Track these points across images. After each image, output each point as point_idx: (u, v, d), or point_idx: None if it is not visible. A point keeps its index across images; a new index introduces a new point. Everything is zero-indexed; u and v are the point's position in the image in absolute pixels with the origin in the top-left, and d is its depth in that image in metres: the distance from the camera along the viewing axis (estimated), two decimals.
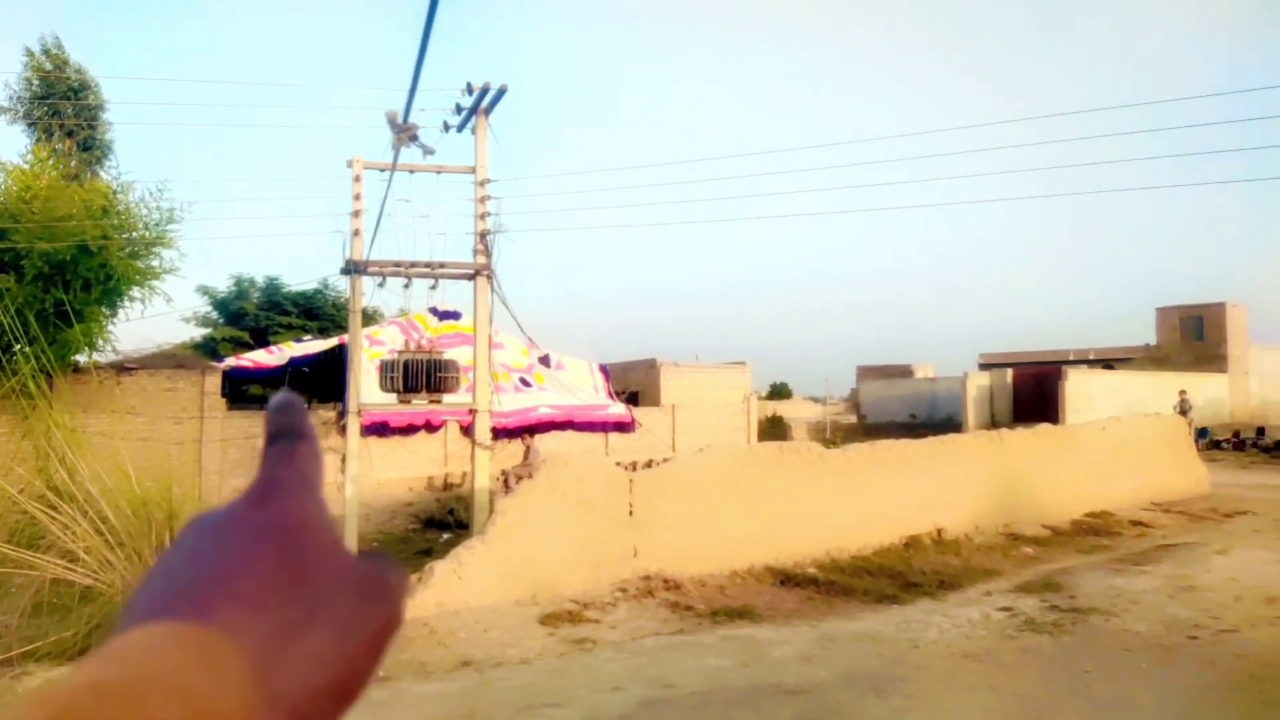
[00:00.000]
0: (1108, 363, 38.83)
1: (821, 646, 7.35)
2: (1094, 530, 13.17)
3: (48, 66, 21.75)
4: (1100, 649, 7.27)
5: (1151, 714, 5.91)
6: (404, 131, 11.93)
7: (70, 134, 21.62)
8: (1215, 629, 7.74)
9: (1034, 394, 32.03)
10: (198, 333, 27.41)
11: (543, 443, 17.22)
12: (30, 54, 21.88)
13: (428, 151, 12.51)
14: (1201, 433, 28.30)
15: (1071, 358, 40.23)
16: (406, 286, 13.12)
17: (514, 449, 17.96)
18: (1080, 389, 30.16)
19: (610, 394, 22.00)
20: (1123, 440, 15.64)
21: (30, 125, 21.56)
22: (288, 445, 0.48)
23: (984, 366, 40.06)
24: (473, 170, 13.09)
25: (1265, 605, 8.55)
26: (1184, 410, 21.64)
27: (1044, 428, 14.71)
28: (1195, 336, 37.28)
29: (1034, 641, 7.49)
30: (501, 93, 12.44)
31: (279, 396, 0.51)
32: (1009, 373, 34.73)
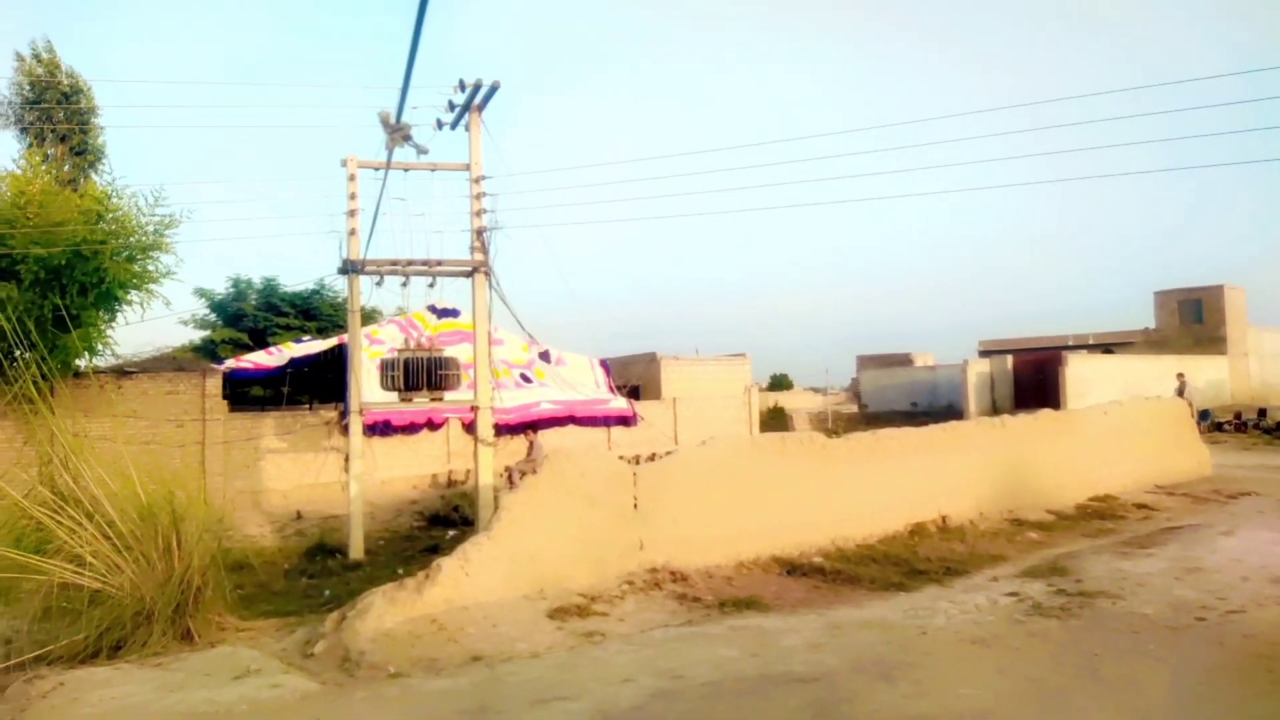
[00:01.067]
0: (1107, 347, 38.88)
1: (829, 635, 7.36)
2: (1098, 514, 13.19)
3: (39, 71, 21.67)
4: (1108, 632, 7.28)
5: (1161, 695, 5.92)
6: (398, 131, 11.92)
7: (63, 139, 21.55)
8: (1222, 610, 7.75)
9: (1034, 380, 32.06)
10: (197, 335, 27.43)
11: (545, 438, 17.22)
12: (21, 58, 21.81)
13: (421, 151, 12.50)
14: (1203, 415, 28.33)
15: (1071, 343, 40.26)
16: (404, 285, 13.12)
17: (516, 445, 17.97)
18: (1080, 374, 30.19)
19: (611, 388, 22.01)
20: (1124, 424, 15.66)
21: (22, 130, 21.48)
22: None
23: (984, 353, 40.08)
24: (467, 167, 13.08)
25: (1271, 585, 8.56)
26: (1182, 393, 21.65)
27: (1046, 413, 14.72)
28: (1194, 319, 37.31)
29: (1042, 626, 7.49)
30: (494, 89, 12.41)
31: None
32: (1009, 359, 34.75)
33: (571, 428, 20.21)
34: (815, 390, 53.76)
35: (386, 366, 12.92)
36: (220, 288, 27.57)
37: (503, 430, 16.94)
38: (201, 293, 26.95)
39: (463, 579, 8.18)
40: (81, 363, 15.20)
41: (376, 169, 13.18)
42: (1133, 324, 40.38)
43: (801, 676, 6.22)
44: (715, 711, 5.54)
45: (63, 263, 14.01)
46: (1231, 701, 5.70)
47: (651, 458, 13.70)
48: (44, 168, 16.20)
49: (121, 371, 15.93)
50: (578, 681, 6.26)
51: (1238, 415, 29.51)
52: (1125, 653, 6.72)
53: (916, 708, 5.50)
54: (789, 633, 7.47)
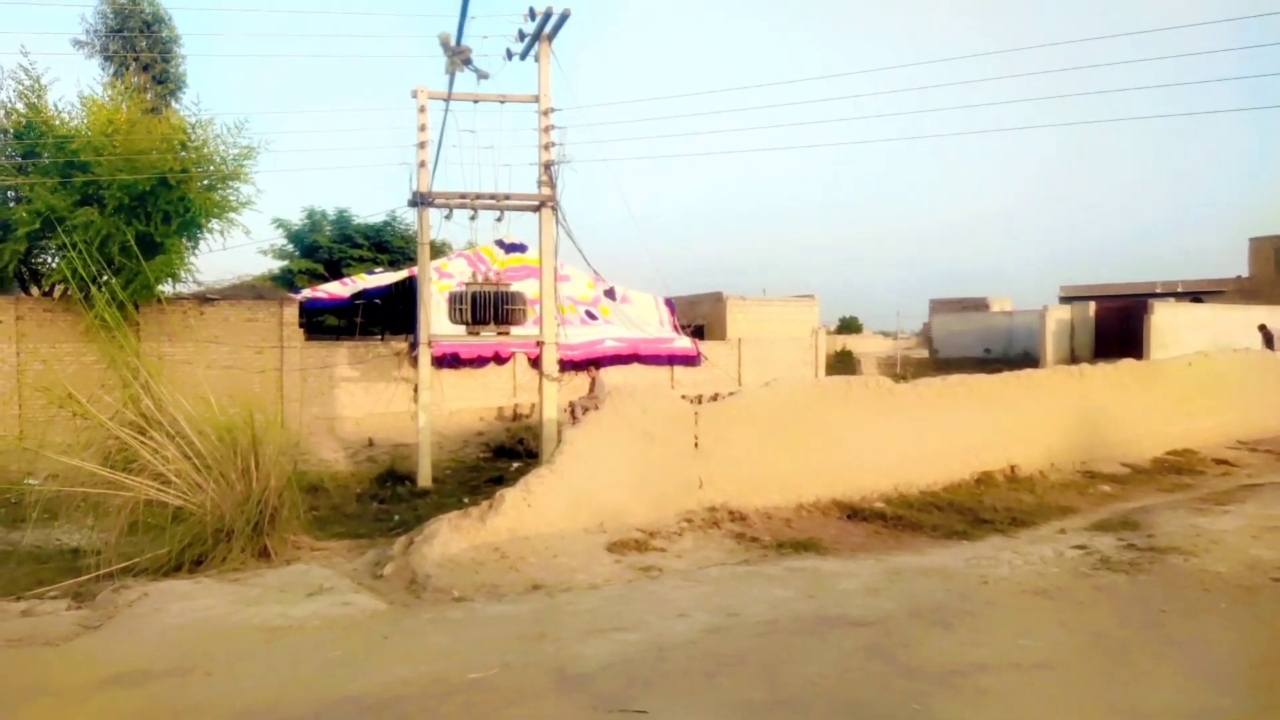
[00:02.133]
0: (1196, 295, 37.26)
1: (888, 580, 7.32)
2: (1176, 468, 12.79)
3: (123, 0, 22.07)
4: (1178, 589, 7.09)
5: (1229, 654, 5.76)
6: (457, 55, 11.82)
7: (145, 68, 22.01)
8: None
9: (1117, 328, 30.94)
10: (275, 265, 28.09)
11: (608, 376, 17.32)
12: None
13: (482, 75, 12.41)
14: None
15: (1159, 290, 38.71)
16: (473, 219, 13.22)
17: (581, 381, 18.11)
18: (1167, 323, 29.03)
19: (676, 327, 21.96)
20: (1209, 375, 15.05)
21: (106, 59, 21.99)
22: None
23: (1065, 300, 38.82)
24: (536, 99, 12.98)
25: None
26: (1271, 344, 20.68)
27: (1126, 363, 14.21)
28: None
29: (1109, 580, 7.33)
30: (565, 17, 12.22)
31: None
32: (1091, 306, 33.56)
33: (635, 366, 20.28)
34: (886, 334, 52.91)
35: (455, 300, 13.09)
36: (296, 218, 28.14)
37: (567, 366, 17.09)
38: (279, 223, 27.55)
39: (525, 510, 8.35)
40: (165, 289, 15.75)
41: (446, 100, 13.17)
42: (1225, 272, 38.59)
43: (857, 620, 6.21)
44: (768, 649, 5.58)
45: (146, 190, 14.42)
46: None
47: (714, 398, 13.70)
48: (128, 96, 16.58)
49: (203, 298, 16.46)
50: (633, 614, 6.36)
51: None
52: (1194, 610, 6.55)
53: (973, 656, 5.46)
54: (847, 576, 7.46)
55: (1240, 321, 29.05)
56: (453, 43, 11.75)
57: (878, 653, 5.52)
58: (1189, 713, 4.77)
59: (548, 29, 12.81)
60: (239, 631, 6.04)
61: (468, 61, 12.07)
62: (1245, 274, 37.46)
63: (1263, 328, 23.33)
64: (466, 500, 10.86)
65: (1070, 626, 6.21)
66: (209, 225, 15.69)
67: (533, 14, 12.67)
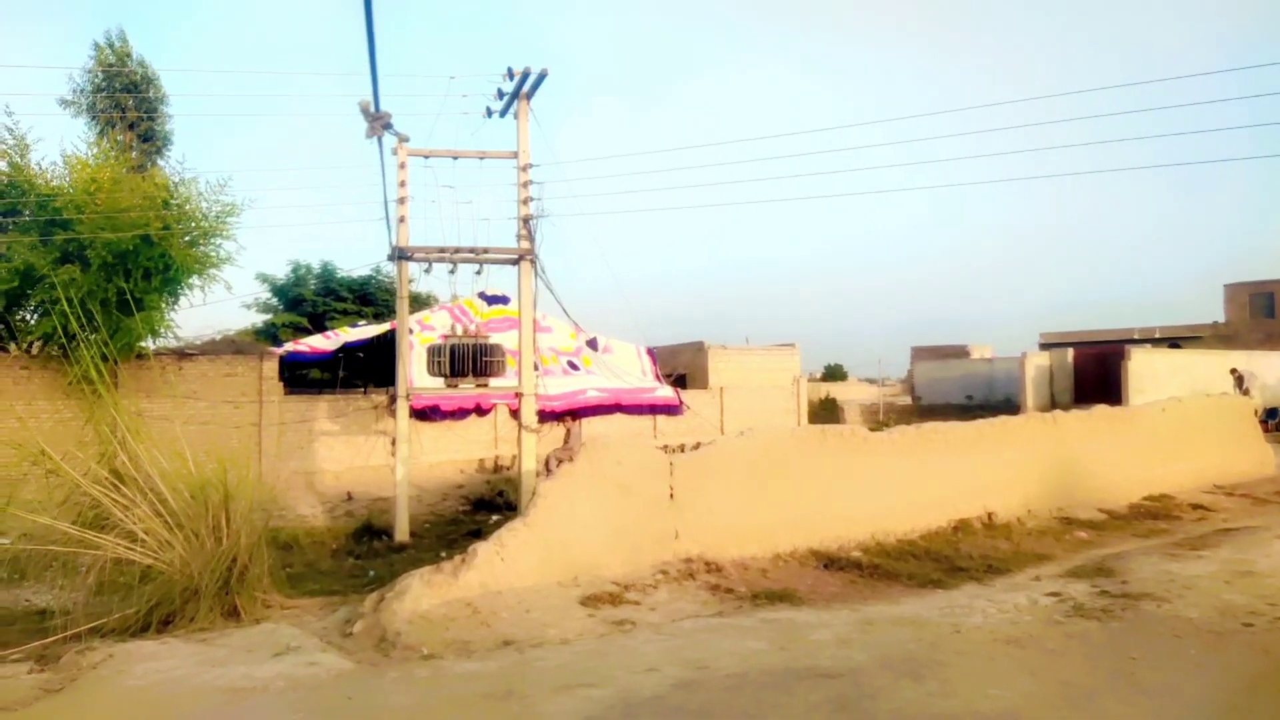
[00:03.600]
0: (1174, 341, 37.69)
1: (860, 630, 7.31)
2: (1152, 514, 12.85)
3: (110, 59, 22.39)
4: (1149, 635, 7.11)
5: (1198, 702, 5.77)
6: (377, 120, 12.03)
7: (131, 126, 22.25)
8: (1271, 616, 7.49)
9: (1096, 374, 31.23)
10: (259, 319, 28.16)
11: (590, 426, 17.35)
12: (98, 48, 22.56)
13: (402, 139, 12.67)
14: (1270, 413, 27.33)
15: (1136, 336, 39.15)
16: (452, 272, 13.32)
17: (561, 432, 18.12)
18: (1144, 369, 29.32)
19: (658, 377, 22.02)
20: (1184, 421, 15.20)
21: (93, 118, 22.23)
22: None
23: (1044, 346, 39.18)
24: (515, 155, 13.19)
25: None
26: (1243, 387, 20.89)
27: (1101, 409, 14.37)
28: (1265, 313, 35.98)
29: (1081, 627, 7.34)
30: (542, 77, 12.49)
31: None
32: (1070, 352, 33.89)
33: (618, 416, 20.28)
34: (871, 381, 53.16)
35: (433, 352, 13.17)
36: (281, 272, 28.27)
37: (549, 417, 17.10)
38: (263, 277, 27.67)
39: (498, 564, 8.31)
40: (145, 344, 15.75)
41: (426, 156, 13.37)
42: (1201, 318, 39.11)
43: (827, 672, 6.20)
44: (736, 703, 5.56)
45: (129, 248, 14.51)
46: (1272, 712, 5.53)
47: (695, 447, 13.73)
48: (113, 154, 16.75)
49: (182, 354, 16.47)
50: (604, 669, 6.33)
51: None
52: (1165, 657, 6.56)
53: (941, 707, 5.45)
54: (820, 627, 7.44)
55: (1216, 367, 29.37)
56: (372, 109, 11.94)
57: (845, 705, 5.50)
58: None
59: (526, 88, 13.08)
60: (201, 693, 5.97)
61: (388, 126, 12.26)
62: (1221, 320, 37.96)
63: (1234, 371, 23.61)
64: (444, 554, 10.78)
65: (1040, 675, 6.21)
66: (190, 281, 15.76)
67: (511, 74, 12.96)
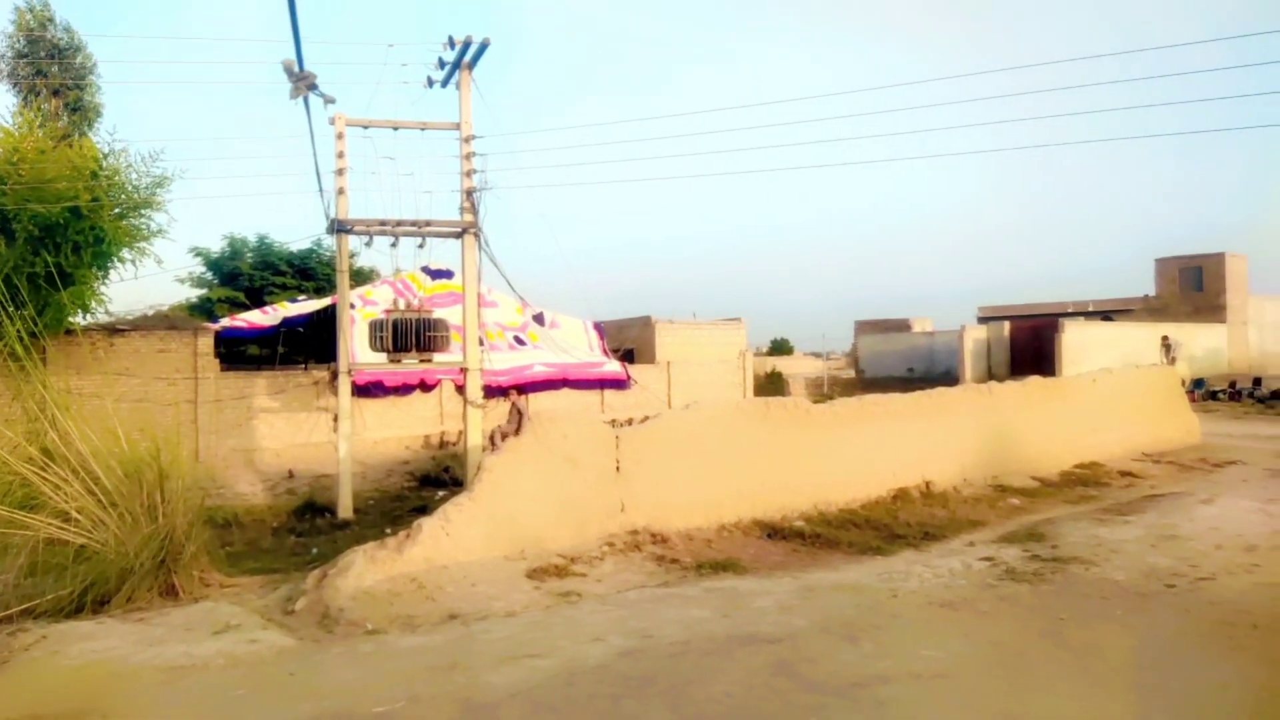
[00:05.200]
0: (1106, 314, 38.82)
1: (801, 597, 7.46)
2: (1082, 481, 13.28)
3: (32, 25, 21.46)
4: (1078, 597, 7.38)
5: (1122, 659, 6.01)
6: (302, 80, 11.73)
7: (56, 93, 21.39)
8: (1193, 577, 7.84)
9: (1031, 347, 32.05)
10: (193, 294, 27.42)
11: (537, 401, 17.32)
12: (18, 11, 21.58)
13: (328, 100, 12.36)
14: (1198, 383, 28.34)
15: (1071, 310, 40.19)
16: (394, 245, 13.13)
17: (508, 407, 18.06)
18: (1077, 341, 30.16)
19: (605, 352, 22.07)
20: (1114, 391, 15.70)
21: (15, 85, 21.31)
22: None
23: (983, 320, 40.03)
24: (457, 126, 13.00)
25: (1244, 553, 8.65)
26: (1169, 352, 21.61)
27: (1034, 380, 14.75)
28: (1194, 287, 37.18)
29: (1012, 590, 7.59)
30: (484, 46, 12.31)
31: None
32: (1006, 325, 34.71)
33: (565, 391, 20.31)
34: (815, 355, 53.83)
35: (375, 327, 12.96)
36: (216, 246, 27.54)
37: (495, 392, 17.03)
38: (198, 251, 26.93)
39: (443, 538, 8.29)
40: (74, 320, 15.25)
41: (365, 126, 13.11)
42: (1133, 291, 40.29)
43: (768, 637, 6.32)
44: (678, 670, 5.65)
45: (57, 220, 13.99)
46: (1189, 668, 5.80)
47: (644, 420, 13.80)
48: (38, 124, 16.09)
49: (113, 329, 15.98)
50: (549, 640, 6.37)
51: (1232, 384, 29.51)
52: (1091, 618, 6.82)
53: (875, 668, 5.61)
54: (762, 595, 7.58)
55: (1147, 338, 30.36)
56: (296, 68, 11.63)
57: (784, 669, 5.62)
58: (1076, 718, 4.97)
59: (468, 57, 12.88)
60: (139, 672, 5.87)
61: (313, 87, 11.93)
62: (1152, 293, 39.15)
63: (1165, 339, 24.38)
64: (389, 531, 10.70)
65: (972, 637, 6.41)
66: (121, 255, 15.28)
67: (452, 43, 12.75)
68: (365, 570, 7.74)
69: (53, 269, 13.89)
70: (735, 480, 10.36)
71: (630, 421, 13.75)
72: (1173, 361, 20.04)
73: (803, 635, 6.34)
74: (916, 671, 5.57)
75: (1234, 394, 28.32)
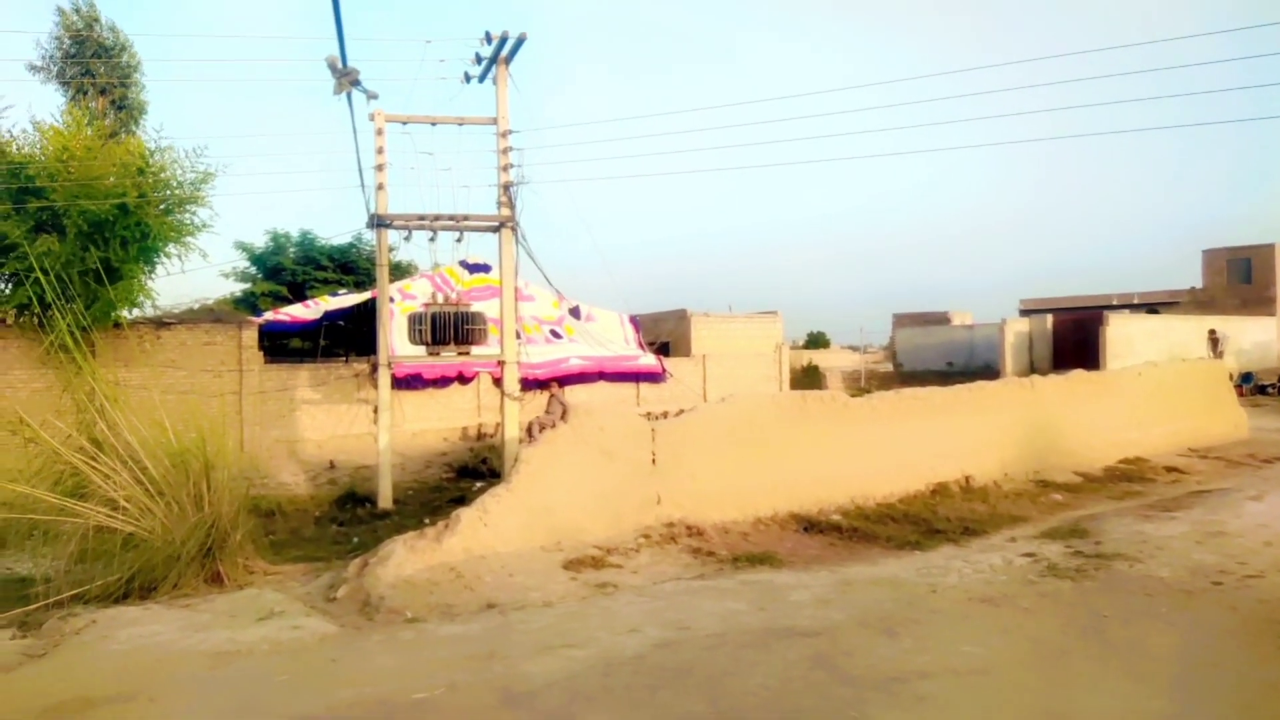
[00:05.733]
0: (1152, 307, 38.01)
1: (839, 591, 7.43)
2: (1127, 477, 13.04)
3: (78, 24, 21.91)
4: (1121, 594, 7.26)
5: (1166, 657, 5.91)
6: (345, 76, 11.80)
7: (103, 92, 21.84)
8: (1241, 575, 7.67)
9: (1074, 340, 31.47)
10: (238, 288, 27.89)
11: (573, 394, 17.38)
12: (62, 12, 22.05)
13: (371, 96, 12.40)
14: (1246, 377, 27.68)
15: (1115, 302, 39.42)
16: (432, 240, 13.22)
17: (544, 400, 18.15)
18: (1122, 334, 29.59)
19: (641, 345, 22.08)
20: (1159, 385, 15.39)
21: (63, 84, 21.79)
22: None
23: (1024, 313, 39.41)
24: (494, 121, 13.07)
25: None
26: (1216, 348, 21.04)
27: (1077, 373, 14.52)
28: (1242, 279, 36.29)
29: (1054, 587, 7.49)
30: (521, 41, 12.34)
31: None
32: (1049, 318, 34.12)
33: (601, 384, 20.36)
34: (853, 349, 53.39)
35: (414, 321, 13.09)
36: (260, 241, 27.97)
37: (531, 385, 17.12)
38: (241, 246, 27.36)
39: (481, 529, 8.37)
40: (122, 314, 15.59)
41: (404, 123, 13.22)
42: (1179, 283, 39.41)
43: (805, 630, 6.30)
44: (715, 662, 5.65)
45: (106, 217, 14.31)
46: (1236, 666, 5.68)
47: (677, 413, 13.80)
48: (86, 122, 16.44)
49: (160, 323, 16.30)
50: (585, 630, 6.41)
51: None
52: (1135, 615, 6.71)
53: (914, 663, 5.56)
54: (799, 588, 7.55)
55: (1193, 331, 29.69)
56: (340, 65, 11.71)
57: (821, 662, 5.60)
58: (1118, 716, 4.90)
59: (504, 52, 12.93)
60: (185, 657, 6.01)
61: (356, 83, 12.00)
62: (1199, 285, 38.29)
63: (1212, 333, 23.76)
64: (427, 521, 10.79)
65: (1012, 633, 6.34)
66: (167, 250, 15.58)
67: (489, 38, 12.79)
68: (405, 559, 7.84)
69: (100, 265, 14.21)
70: (771, 473, 10.32)
71: (666, 414, 13.77)
72: (1220, 355, 19.58)
73: (840, 629, 6.31)
74: (955, 667, 5.52)
75: None
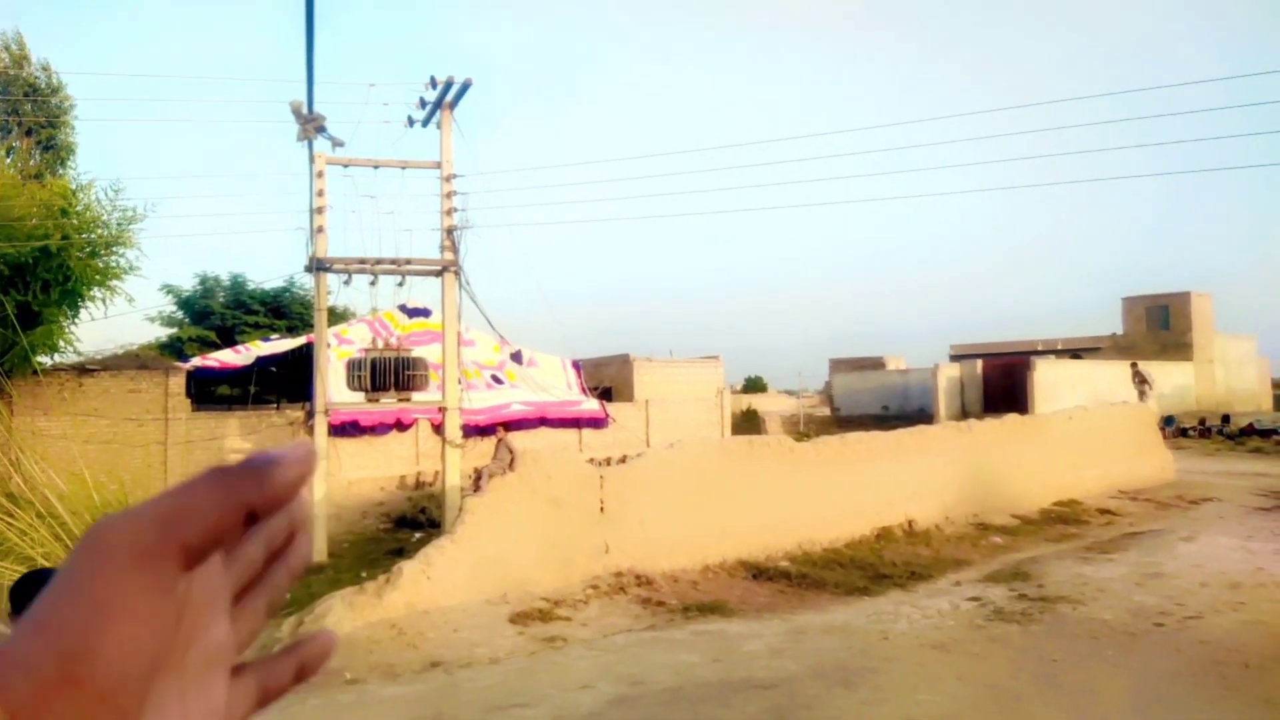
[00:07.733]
0: (1075, 352, 39.29)
1: (792, 640, 7.35)
2: (1062, 519, 13.29)
3: (6, 62, 21.28)
4: (1068, 637, 7.32)
5: (1118, 701, 5.95)
6: (310, 123, 11.70)
7: (29, 133, 21.16)
8: (1180, 615, 7.81)
9: (1003, 384, 32.29)
10: (163, 332, 27.03)
11: (515, 439, 17.10)
12: None
13: (337, 143, 12.31)
14: (1168, 420, 28.65)
15: (1040, 348, 40.64)
16: (373, 284, 12.98)
17: (486, 446, 17.82)
18: (1049, 379, 30.47)
19: (583, 390, 21.95)
20: (1090, 429, 15.80)
21: None
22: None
23: (955, 358, 40.36)
24: (438, 165, 12.96)
25: (1229, 591, 8.65)
26: (1142, 384, 21.51)
27: (1012, 418, 14.83)
28: (1161, 326, 37.79)
29: (1002, 631, 7.53)
30: (466, 86, 12.32)
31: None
32: (979, 364, 35.00)
33: (543, 429, 20.12)
34: (790, 393, 53.90)
35: (353, 366, 12.77)
36: (188, 285, 27.23)
37: (472, 431, 16.83)
38: (169, 289, 26.60)
39: (424, 583, 8.10)
40: (42, 360, 14.94)
41: (345, 165, 13.04)
42: (1101, 330, 40.88)
43: (762, 683, 6.19)
44: (673, 718, 5.50)
45: (26, 260, 13.76)
46: (1185, 708, 5.74)
47: (622, 460, 13.67)
48: (8, 162, 15.89)
49: (82, 369, 15.65)
50: (536, 688, 6.20)
51: (1202, 421, 29.89)
52: (1084, 658, 6.76)
53: (874, 714, 5.50)
54: (752, 638, 7.45)
55: (1116, 376, 30.69)
56: (305, 111, 11.60)
57: (781, 716, 5.50)
58: None
59: (449, 97, 12.88)
60: None
61: (321, 129, 11.92)
62: (1120, 331, 39.74)
63: (1134, 365, 24.30)
64: (364, 574, 10.44)
65: (967, 680, 6.32)
66: (90, 294, 15.03)
67: (434, 82, 12.75)
68: (344, 616, 7.53)
69: (18, 310, 13.63)
70: (719, 520, 10.25)
71: (610, 461, 13.64)
72: (1144, 394, 20.15)
73: (797, 680, 6.22)
74: (916, 717, 5.46)
75: (1204, 430, 28.66)
